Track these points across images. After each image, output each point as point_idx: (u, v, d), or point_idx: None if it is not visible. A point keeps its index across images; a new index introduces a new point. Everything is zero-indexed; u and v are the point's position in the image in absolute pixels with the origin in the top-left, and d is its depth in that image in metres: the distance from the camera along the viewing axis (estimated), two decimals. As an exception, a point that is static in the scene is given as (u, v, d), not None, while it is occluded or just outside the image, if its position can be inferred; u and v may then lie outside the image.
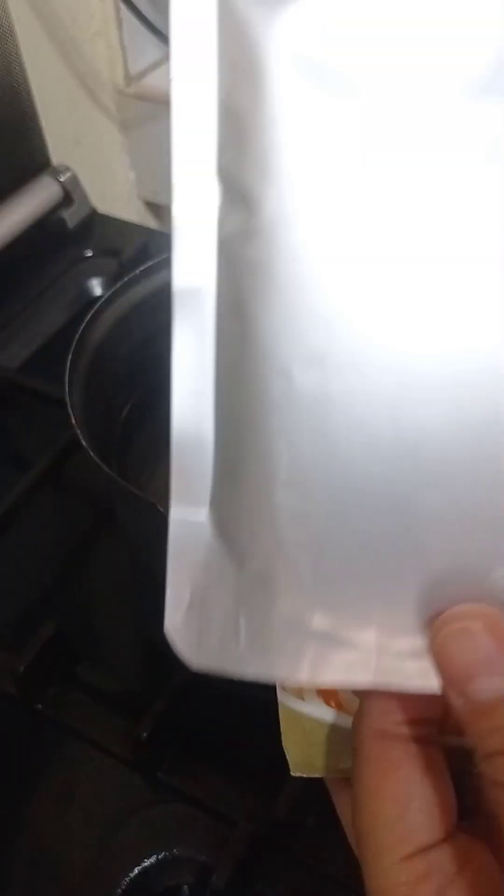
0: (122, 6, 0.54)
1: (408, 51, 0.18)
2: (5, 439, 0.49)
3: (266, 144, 0.18)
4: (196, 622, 0.19)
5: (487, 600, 0.18)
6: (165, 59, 0.62)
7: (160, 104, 0.59)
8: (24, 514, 0.43)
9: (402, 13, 0.18)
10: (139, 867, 0.32)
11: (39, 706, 0.36)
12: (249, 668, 0.18)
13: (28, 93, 0.56)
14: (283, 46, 0.18)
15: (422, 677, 0.18)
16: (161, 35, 0.56)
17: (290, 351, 0.19)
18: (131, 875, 0.31)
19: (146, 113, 0.61)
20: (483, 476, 0.18)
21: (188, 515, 0.20)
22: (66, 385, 0.36)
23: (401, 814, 0.18)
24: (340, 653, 0.18)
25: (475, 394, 0.18)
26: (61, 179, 0.59)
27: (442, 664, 0.18)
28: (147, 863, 0.32)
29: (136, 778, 0.34)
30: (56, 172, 0.59)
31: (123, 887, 0.31)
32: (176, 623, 0.19)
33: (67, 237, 0.60)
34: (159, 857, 0.32)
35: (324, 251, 0.18)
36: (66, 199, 0.59)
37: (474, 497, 0.18)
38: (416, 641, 0.18)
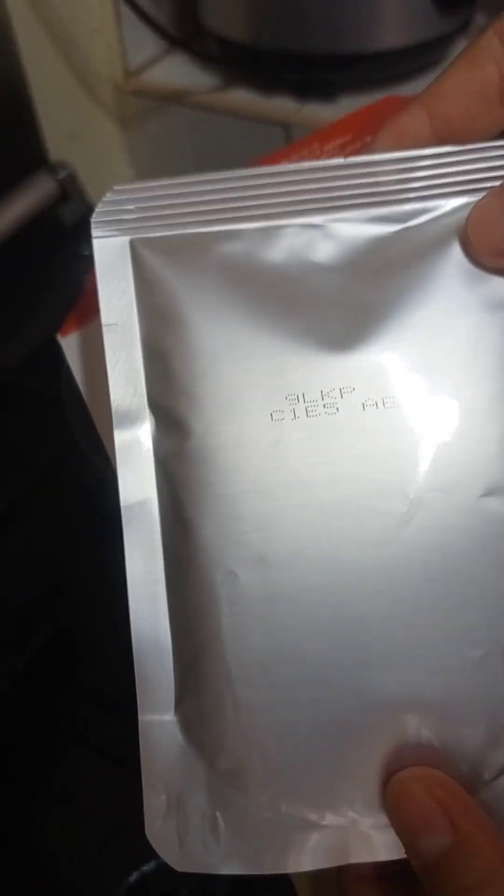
0: (121, 2, 0.54)
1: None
2: (3, 439, 0.49)
3: (190, 379, 0.22)
4: (175, 825, 0.21)
5: (434, 762, 0.20)
6: (165, 55, 0.62)
7: (159, 100, 0.59)
8: (23, 514, 0.42)
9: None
10: (138, 872, 0.31)
11: (37, 709, 0.36)
12: (234, 865, 0.20)
13: (25, 89, 0.56)
14: (196, 298, 0.22)
15: (389, 849, 0.20)
16: (160, 31, 0.55)
17: (233, 554, 0.21)
18: (130, 880, 0.31)
19: (145, 109, 0.60)
20: (422, 652, 0.20)
21: (155, 717, 0.21)
22: (64, 384, 0.36)
23: None
24: (316, 837, 0.20)
25: (408, 580, 0.20)
26: (59, 176, 0.58)
27: (393, 824, 0.20)
28: (146, 867, 0.31)
29: (136, 781, 0.34)
30: (54, 169, 0.58)
31: (123, 892, 0.31)
32: (156, 829, 0.21)
33: (65, 234, 0.59)
34: (159, 861, 0.31)
35: (251, 469, 0.21)
36: (64, 195, 0.59)
37: (418, 671, 0.20)
38: (381, 815, 0.20)
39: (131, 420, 0.22)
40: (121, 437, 0.22)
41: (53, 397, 0.39)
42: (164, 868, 0.32)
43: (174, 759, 0.21)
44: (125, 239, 0.22)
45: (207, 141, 0.58)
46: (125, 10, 0.55)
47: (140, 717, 0.21)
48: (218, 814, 0.20)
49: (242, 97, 0.56)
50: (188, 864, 0.20)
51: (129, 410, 0.22)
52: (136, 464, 0.22)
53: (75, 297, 0.31)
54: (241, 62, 0.55)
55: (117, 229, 0.22)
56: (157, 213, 0.22)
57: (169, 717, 0.21)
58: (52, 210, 0.59)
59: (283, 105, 0.55)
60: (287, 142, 0.54)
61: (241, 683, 0.21)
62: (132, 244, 0.22)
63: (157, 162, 0.64)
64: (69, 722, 0.36)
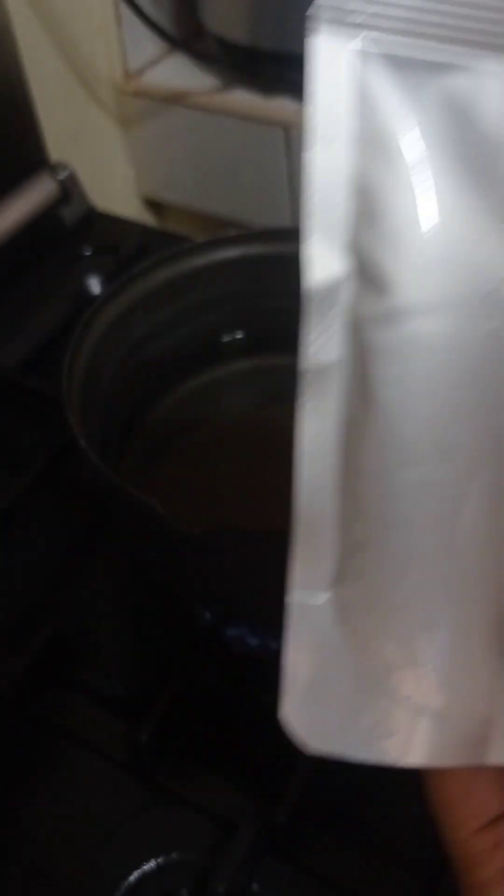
0: (121, 3, 0.54)
1: None
2: (2, 439, 0.49)
3: (399, 229, 0.18)
4: (314, 709, 0.19)
5: None
6: (165, 55, 0.62)
7: (159, 101, 0.59)
8: (22, 514, 0.42)
9: None
10: (138, 871, 0.31)
11: (37, 709, 0.36)
12: (371, 753, 0.19)
13: (26, 90, 0.56)
14: (420, 135, 0.18)
15: None
16: (160, 32, 0.55)
17: (423, 444, 0.18)
18: (130, 880, 0.31)
19: (145, 110, 0.60)
20: None
21: (307, 599, 0.19)
22: (64, 384, 0.36)
23: (467, 791, 0.19)
24: (461, 733, 0.19)
25: None
26: (59, 177, 0.58)
27: None
28: (146, 867, 0.31)
29: (135, 782, 0.34)
30: (54, 170, 0.58)
31: (122, 892, 0.31)
32: (293, 709, 0.19)
33: (65, 235, 0.59)
34: (158, 861, 0.31)
35: (460, 355, 0.18)
36: (65, 196, 0.59)
37: None
38: None
39: (328, 265, 0.19)
40: (314, 283, 0.19)
41: (53, 397, 0.39)
42: (164, 868, 0.32)
43: (322, 643, 0.19)
44: (352, 44, 0.18)
45: (207, 141, 0.58)
46: (125, 11, 0.55)
47: (292, 594, 0.19)
48: (362, 704, 0.19)
49: (242, 98, 0.56)
50: (322, 747, 0.19)
51: (326, 252, 0.19)
52: (328, 319, 0.19)
53: (75, 298, 0.30)
54: (242, 63, 0.55)
55: (342, 29, 0.18)
56: (392, 21, 0.18)
57: (322, 597, 0.19)
58: (53, 210, 0.59)
59: (282, 105, 0.55)
60: (287, 142, 0.54)
61: (411, 582, 0.19)
62: (362, 53, 0.18)
63: (157, 163, 0.64)
64: (69, 722, 0.35)
